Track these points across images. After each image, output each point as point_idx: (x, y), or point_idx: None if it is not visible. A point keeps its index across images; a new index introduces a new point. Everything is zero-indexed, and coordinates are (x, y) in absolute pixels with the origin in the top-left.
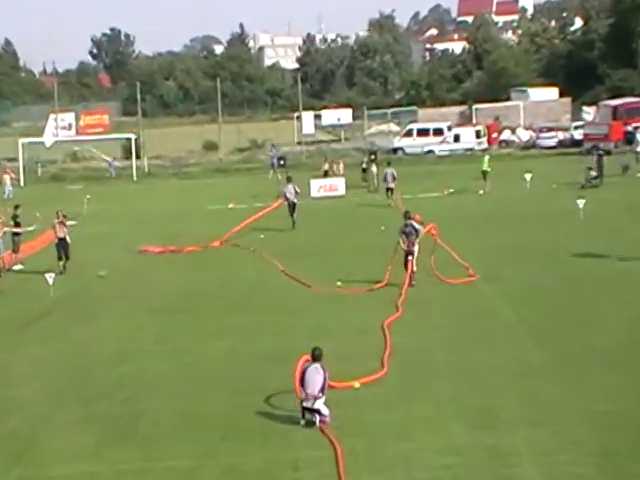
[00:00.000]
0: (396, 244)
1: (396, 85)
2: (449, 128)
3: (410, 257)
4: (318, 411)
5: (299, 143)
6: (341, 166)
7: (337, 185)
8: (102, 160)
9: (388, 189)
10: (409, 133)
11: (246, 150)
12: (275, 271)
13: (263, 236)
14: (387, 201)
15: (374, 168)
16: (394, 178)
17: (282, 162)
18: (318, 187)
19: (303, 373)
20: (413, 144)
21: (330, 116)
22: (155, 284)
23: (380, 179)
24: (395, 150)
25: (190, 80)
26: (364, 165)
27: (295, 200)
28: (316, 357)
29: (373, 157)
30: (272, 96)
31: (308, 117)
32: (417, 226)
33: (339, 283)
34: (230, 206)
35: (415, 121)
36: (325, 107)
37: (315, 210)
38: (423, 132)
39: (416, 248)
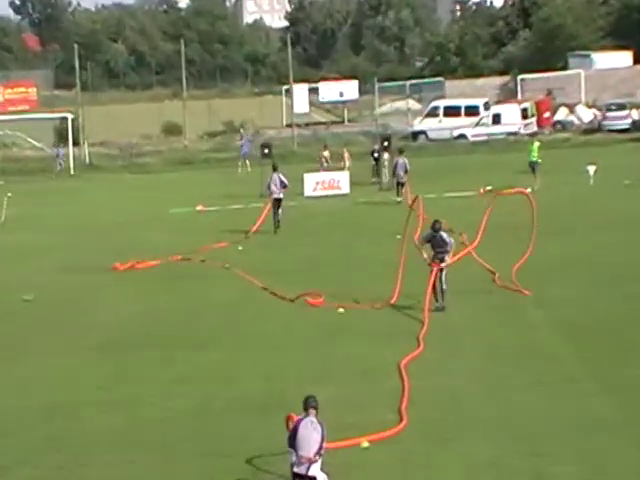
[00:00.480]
0: (414, 252)
1: (416, 49)
2: (486, 106)
3: (436, 271)
4: (314, 479)
5: (289, 126)
6: (345, 155)
7: (339, 181)
8: (34, 148)
9: (399, 183)
10: (433, 112)
11: (219, 135)
12: (256, 293)
13: (241, 248)
14: (396, 198)
15: (386, 157)
16: (406, 171)
17: (266, 151)
18: (314, 183)
19: (295, 430)
20: (439, 127)
21: (330, 90)
22: (100, 311)
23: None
24: (415, 135)
25: (145, 42)
26: (375, 154)
27: (280, 195)
28: (310, 407)
29: (386, 144)
30: (253, 64)
31: (301, 91)
32: (448, 239)
33: (341, 310)
34: (198, 209)
35: (442, 97)
36: (323, 78)
37: (310, 213)
38: (452, 111)
39: (446, 261)
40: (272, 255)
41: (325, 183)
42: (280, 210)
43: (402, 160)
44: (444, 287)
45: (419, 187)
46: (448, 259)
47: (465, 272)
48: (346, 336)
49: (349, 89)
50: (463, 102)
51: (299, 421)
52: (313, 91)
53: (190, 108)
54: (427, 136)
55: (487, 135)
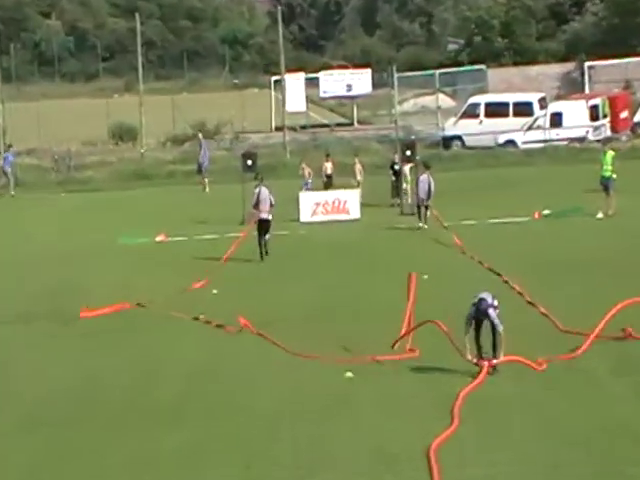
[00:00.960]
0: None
1: (449, 28)
2: (542, 103)
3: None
4: None
5: (279, 129)
6: (356, 168)
7: (346, 201)
8: None
9: (420, 207)
10: (472, 112)
11: (187, 140)
12: (236, 348)
13: (216, 291)
14: (419, 224)
15: (408, 171)
16: (430, 192)
17: (249, 162)
18: (313, 205)
19: None
20: (479, 130)
21: (334, 82)
22: (24, 377)
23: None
24: (447, 141)
25: (88, 18)
26: (395, 167)
27: (270, 216)
28: None
29: (409, 153)
30: (232, 47)
31: (296, 83)
32: (496, 319)
33: (349, 374)
34: (158, 239)
35: (483, 91)
36: (326, 66)
37: (307, 245)
38: (497, 110)
39: (499, 352)
40: (257, 300)
41: (328, 205)
42: (268, 235)
43: (425, 177)
44: (498, 338)
45: (452, 210)
46: (500, 345)
47: (522, 315)
48: (356, 407)
49: (359, 81)
50: (511, 98)
51: None
52: (312, 83)
53: (148, 105)
54: (463, 143)
55: (544, 141)
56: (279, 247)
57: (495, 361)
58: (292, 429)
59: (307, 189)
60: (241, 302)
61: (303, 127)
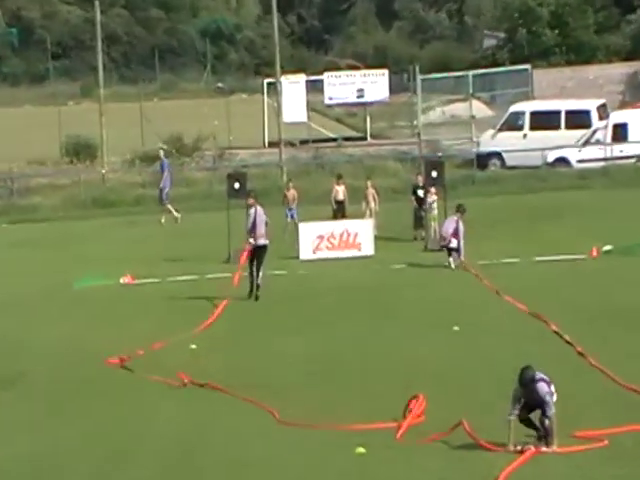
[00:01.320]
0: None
1: (485, 19)
2: (603, 111)
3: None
4: None
5: (273, 144)
6: (369, 194)
7: (357, 234)
8: None
9: (448, 248)
10: (514, 123)
11: (160, 159)
12: (219, 416)
13: (195, 346)
14: (450, 263)
15: (434, 197)
16: (456, 233)
17: (236, 186)
18: (316, 238)
19: None
20: (523, 145)
21: (342, 86)
22: None
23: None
24: (484, 159)
25: (36, 6)
26: (419, 192)
27: (267, 241)
28: None
29: (435, 175)
30: (215, 42)
31: (294, 87)
32: (547, 396)
33: (361, 449)
34: (124, 281)
35: (528, 97)
36: (331, 67)
37: (308, 289)
38: (545, 120)
39: (552, 441)
40: (245, 357)
41: (334, 238)
42: (262, 267)
43: (454, 219)
44: (549, 422)
45: (490, 245)
46: (551, 431)
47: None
48: None
49: (374, 84)
50: (563, 105)
51: None
52: (315, 87)
53: (111, 115)
54: (503, 161)
55: (604, 160)
56: (274, 290)
57: (544, 449)
58: None
59: (292, 218)
60: (226, 359)
61: (304, 142)
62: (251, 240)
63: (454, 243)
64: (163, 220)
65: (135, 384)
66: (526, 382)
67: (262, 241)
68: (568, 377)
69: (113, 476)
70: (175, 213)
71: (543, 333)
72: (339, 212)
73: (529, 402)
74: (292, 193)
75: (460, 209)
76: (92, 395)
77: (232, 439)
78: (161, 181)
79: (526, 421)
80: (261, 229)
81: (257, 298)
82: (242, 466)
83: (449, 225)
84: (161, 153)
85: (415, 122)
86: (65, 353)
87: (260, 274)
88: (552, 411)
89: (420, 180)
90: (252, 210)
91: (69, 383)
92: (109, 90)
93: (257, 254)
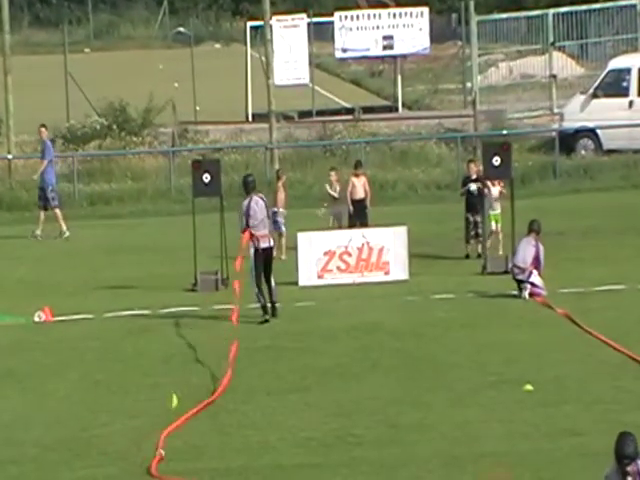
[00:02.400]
0: None
1: None
2: None
3: None
4: None
5: (259, 118)
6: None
7: (382, 249)
8: None
9: (521, 281)
10: (615, 85)
11: (96, 138)
12: None
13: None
14: (521, 293)
15: (496, 194)
16: (538, 263)
17: (206, 177)
18: (323, 257)
19: None
20: (628, 119)
21: (361, 32)
22: None
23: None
24: (571, 138)
25: None
26: (471, 186)
27: (272, 242)
28: None
29: (497, 161)
30: None
31: (291, 34)
32: None
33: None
34: (39, 318)
35: (637, 47)
36: (346, 4)
37: (310, 329)
38: None
39: None
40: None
41: (350, 255)
42: (271, 273)
43: (532, 242)
44: None
45: (580, 266)
46: None
47: None
48: None
49: (408, 29)
50: None
51: None
52: (321, 34)
53: (21, 74)
54: (599, 142)
55: None
56: (263, 330)
57: None
58: None
59: (277, 228)
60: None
61: (305, 114)
62: (245, 239)
63: (535, 277)
64: (39, 231)
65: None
66: (627, 454)
67: (265, 244)
68: None
69: None
70: (63, 225)
71: None
72: (358, 216)
73: None
74: (281, 191)
75: (534, 226)
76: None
77: None
78: (41, 172)
79: None
80: (262, 228)
81: (274, 306)
82: None
83: (526, 250)
84: (43, 131)
85: (469, 85)
86: None
87: (273, 284)
88: None
89: (474, 170)
90: (246, 202)
91: None
92: (18, 37)
93: (262, 260)
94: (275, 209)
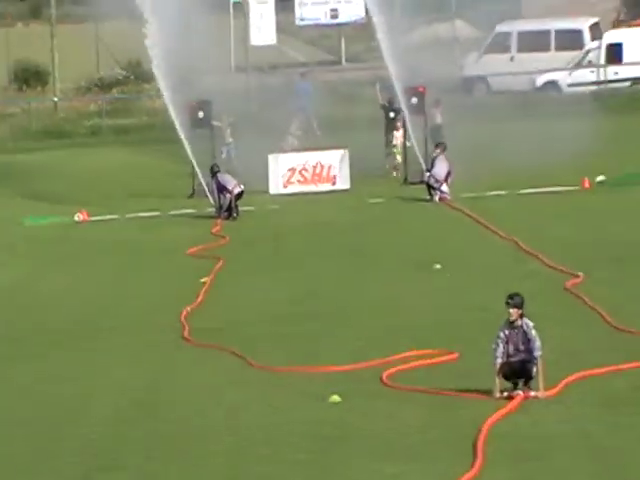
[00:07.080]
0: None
1: None
2: (596, 31)
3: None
4: None
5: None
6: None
7: (331, 166)
8: None
9: (433, 188)
10: (500, 44)
11: (118, 85)
12: (183, 364)
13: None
14: (431, 197)
15: (397, 129)
16: (448, 175)
17: (200, 115)
18: (286, 171)
19: None
20: (510, 69)
21: (314, 5)
22: None
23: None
24: (468, 84)
25: None
26: (390, 114)
27: (242, 186)
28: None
29: (415, 100)
30: None
31: (263, 6)
32: (533, 333)
33: (335, 397)
34: (78, 219)
35: (514, 16)
36: None
37: (279, 226)
38: (533, 41)
39: (539, 390)
40: (211, 300)
41: (307, 170)
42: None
43: (445, 162)
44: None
45: (474, 177)
46: (540, 378)
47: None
48: (347, 446)
49: (348, 3)
50: (553, 24)
51: None
52: (286, 7)
53: (64, 37)
54: (488, 85)
55: (597, 83)
56: (242, 228)
57: (534, 394)
58: (260, 476)
59: (227, 156)
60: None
61: (272, 68)
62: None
63: (444, 188)
64: None
65: (85, 336)
66: (512, 296)
67: (238, 190)
68: (559, 316)
69: (70, 426)
70: None
71: (532, 271)
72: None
73: (515, 344)
74: (227, 125)
75: (440, 146)
76: (48, 344)
77: (202, 388)
78: None
79: (508, 369)
80: (232, 183)
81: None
82: (201, 414)
83: (442, 168)
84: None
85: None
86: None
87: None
88: (539, 352)
89: (387, 100)
90: (214, 179)
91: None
92: (61, 10)
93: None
94: (230, 139)
